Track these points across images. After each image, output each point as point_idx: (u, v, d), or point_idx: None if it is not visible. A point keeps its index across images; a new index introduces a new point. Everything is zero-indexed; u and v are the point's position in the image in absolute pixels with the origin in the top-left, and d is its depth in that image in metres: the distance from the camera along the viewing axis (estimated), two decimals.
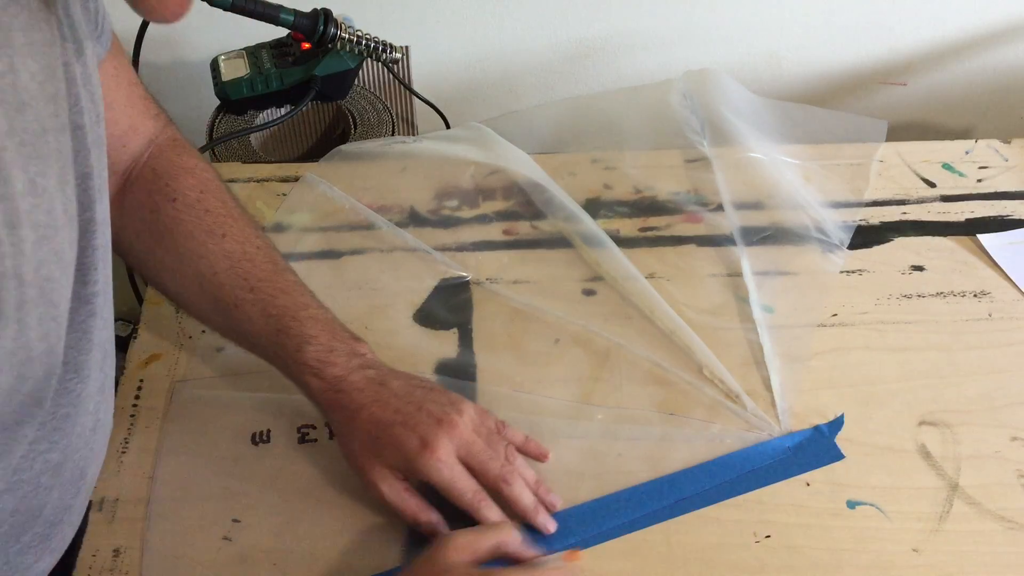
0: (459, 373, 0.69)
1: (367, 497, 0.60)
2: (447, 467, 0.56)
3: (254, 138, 0.95)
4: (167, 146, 0.65)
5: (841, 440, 0.65)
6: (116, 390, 0.68)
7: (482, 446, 0.58)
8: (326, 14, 0.88)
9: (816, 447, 0.65)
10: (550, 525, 0.59)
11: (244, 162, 0.89)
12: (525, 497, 0.58)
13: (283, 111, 0.96)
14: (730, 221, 0.80)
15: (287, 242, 0.77)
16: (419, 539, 0.58)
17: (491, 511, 0.57)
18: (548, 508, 0.60)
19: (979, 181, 0.84)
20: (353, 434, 0.58)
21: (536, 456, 0.62)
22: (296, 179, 0.83)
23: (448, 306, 0.74)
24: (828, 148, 0.87)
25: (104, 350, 0.51)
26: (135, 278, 1.12)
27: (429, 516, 0.58)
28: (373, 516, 0.60)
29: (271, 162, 0.87)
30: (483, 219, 0.81)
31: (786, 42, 1.11)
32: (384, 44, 0.92)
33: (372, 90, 1.02)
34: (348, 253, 0.77)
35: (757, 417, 0.66)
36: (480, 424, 0.59)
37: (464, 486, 0.57)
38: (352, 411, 0.58)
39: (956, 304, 0.74)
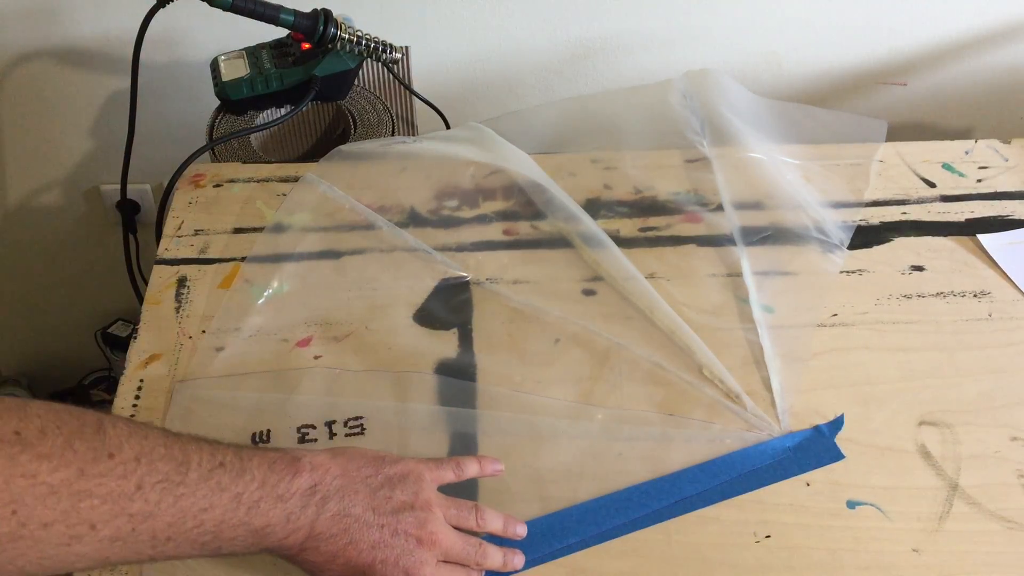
0: (459, 373, 0.69)
1: None
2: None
3: (254, 138, 0.95)
4: None
5: (841, 440, 0.65)
6: (116, 390, 0.68)
7: (461, 545, 0.57)
8: (326, 14, 0.88)
9: (816, 447, 0.65)
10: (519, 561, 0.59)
11: (244, 162, 0.89)
12: (496, 560, 0.58)
13: (283, 111, 0.96)
14: (730, 221, 0.80)
15: (287, 242, 0.78)
16: None
17: None
18: (515, 535, 0.60)
19: (979, 181, 0.84)
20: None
21: (514, 536, 0.60)
22: (296, 179, 0.83)
23: (448, 306, 0.74)
24: (828, 148, 0.87)
25: None
26: (135, 278, 1.12)
27: None
28: None
29: (271, 162, 0.87)
30: (483, 219, 0.81)
31: (786, 42, 1.11)
32: (384, 44, 0.92)
33: (372, 90, 1.02)
34: (348, 253, 0.77)
35: (757, 417, 0.66)
36: (449, 506, 0.58)
37: None
38: (322, 563, 0.54)
39: (956, 304, 0.74)
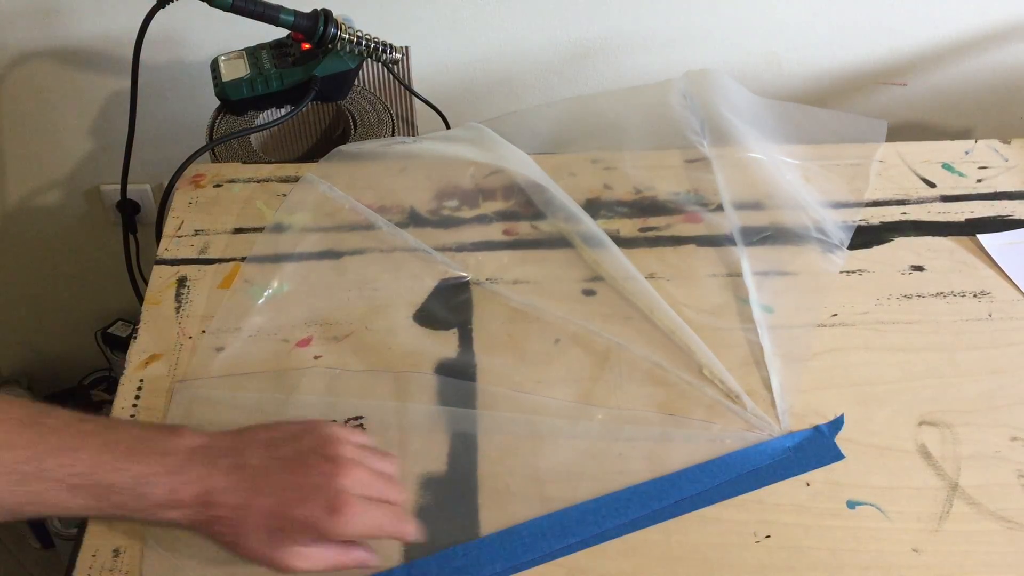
0: (459, 373, 0.69)
1: None
2: (360, 515, 0.53)
3: (254, 138, 0.95)
4: None
5: (841, 440, 0.65)
6: (116, 390, 0.68)
7: (377, 477, 0.55)
8: (326, 14, 0.88)
9: (816, 447, 0.65)
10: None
11: (244, 162, 0.89)
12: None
13: (283, 111, 0.96)
14: (730, 221, 0.80)
15: (287, 242, 0.78)
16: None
17: (411, 526, 0.55)
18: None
19: (979, 181, 0.84)
20: (249, 537, 0.52)
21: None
22: (296, 179, 0.83)
23: (448, 306, 0.74)
24: (828, 148, 0.87)
25: None
26: (135, 278, 1.12)
27: (351, 556, 0.55)
28: None
29: (271, 162, 0.87)
30: (483, 219, 0.81)
31: (786, 42, 1.11)
32: (384, 44, 0.92)
33: (372, 90, 1.02)
34: (348, 253, 0.77)
35: (757, 417, 0.66)
36: (358, 440, 0.57)
37: (384, 524, 0.54)
38: (234, 519, 0.52)
39: (956, 304, 0.74)
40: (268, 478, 0.53)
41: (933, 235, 0.80)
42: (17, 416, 0.49)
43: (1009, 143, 0.88)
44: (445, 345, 0.71)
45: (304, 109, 0.92)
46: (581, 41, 1.10)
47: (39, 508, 0.49)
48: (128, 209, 1.13)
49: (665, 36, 1.10)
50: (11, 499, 0.48)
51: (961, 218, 0.81)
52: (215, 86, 0.93)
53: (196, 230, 0.79)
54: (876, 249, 0.78)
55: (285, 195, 0.82)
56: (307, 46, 0.91)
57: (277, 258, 0.76)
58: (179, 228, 0.80)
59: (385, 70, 1.01)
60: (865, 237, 0.79)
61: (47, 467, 0.48)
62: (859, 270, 0.77)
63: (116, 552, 0.59)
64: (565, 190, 0.80)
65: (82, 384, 1.45)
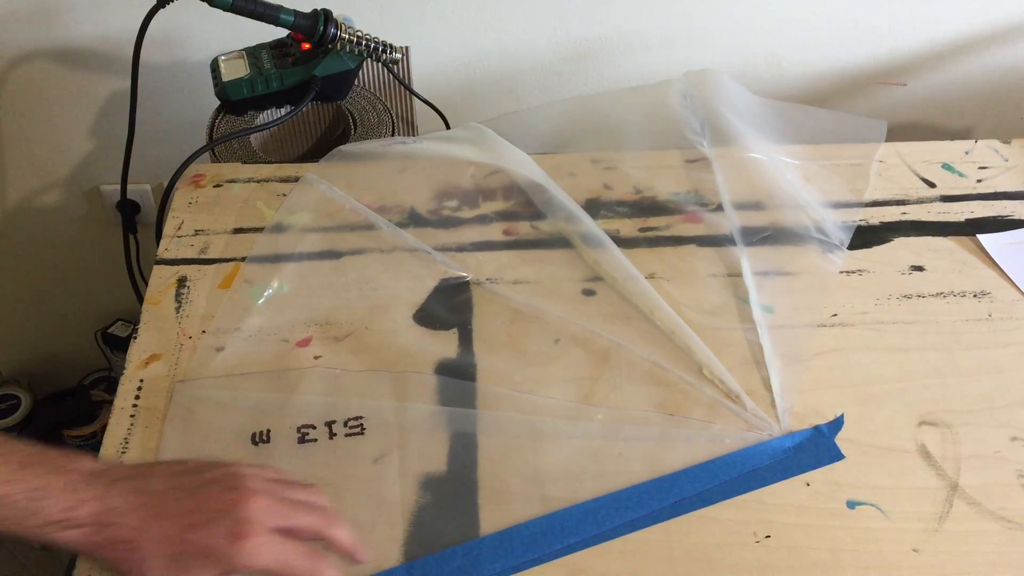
0: (459, 373, 0.69)
1: (367, 497, 0.61)
2: (267, 546, 0.50)
3: (254, 138, 0.95)
4: None
5: (841, 440, 0.65)
6: (116, 390, 0.68)
7: (286, 503, 0.52)
8: (326, 14, 0.88)
9: (816, 447, 0.65)
10: (366, 555, 0.56)
11: (244, 162, 0.89)
12: (347, 535, 0.55)
13: (283, 111, 0.96)
14: (730, 221, 0.80)
15: (287, 242, 0.78)
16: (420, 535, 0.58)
17: (330, 570, 0.52)
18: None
19: (979, 181, 0.84)
20: (146, 563, 0.49)
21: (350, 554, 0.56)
22: (296, 179, 0.83)
23: (448, 306, 0.74)
24: (828, 148, 0.87)
25: None
26: (135, 278, 1.12)
27: None
28: (373, 516, 0.60)
29: (271, 162, 0.87)
30: (483, 219, 0.81)
31: (786, 43, 1.11)
32: (384, 44, 0.92)
33: (372, 90, 1.02)
34: (348, 253, 0.77)
35: (757, 417, 0.66)
36: (269, 475, 0.54)
37: (296, 557, 0.51)
38: (133, 541, 0.49)
39: (956, 304, 0.74)
40: (169, 503, 0.50)
41: (933, 235, 0.80)
42: None
43: (1009, 143, 0.88)
44: (445, 345, 0.71)
45: (304, 109, 0.92)
46: (581, 41, 1.10)
47: None
48: (128, 209, 1.13)
49: (665, 36, 1.10)
50: None
51: (961, 218, 0.81)
52: (215, 86, 0.93)
53: (196, 230, 0.79)
54: (876, 249, 0.78)
55: (285, 195, 0.82)
56: (307, 46, 0.91)
57: (277, 258, 0.76)
58: (179, 228, 0.80)
59: (385, 70, 1.01)
60: (865, 237, 0.79)
61: None
62: (859, 270, 0.77)
63: None
64: (565, 190, 0.80)
65: (82, 384, 1.45)
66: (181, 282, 0.75)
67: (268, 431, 0.65)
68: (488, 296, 0.75)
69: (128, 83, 0.94)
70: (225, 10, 0.84)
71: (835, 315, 0.73)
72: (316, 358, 0.70)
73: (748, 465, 0.64)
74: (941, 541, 0.60)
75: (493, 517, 0.60)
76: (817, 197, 0.82)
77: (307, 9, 0.88)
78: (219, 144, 0.91)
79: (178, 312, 0.73)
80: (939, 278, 0.76)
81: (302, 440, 0.65)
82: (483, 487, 0.62)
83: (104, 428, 0.66)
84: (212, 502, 0.51)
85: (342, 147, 0.85)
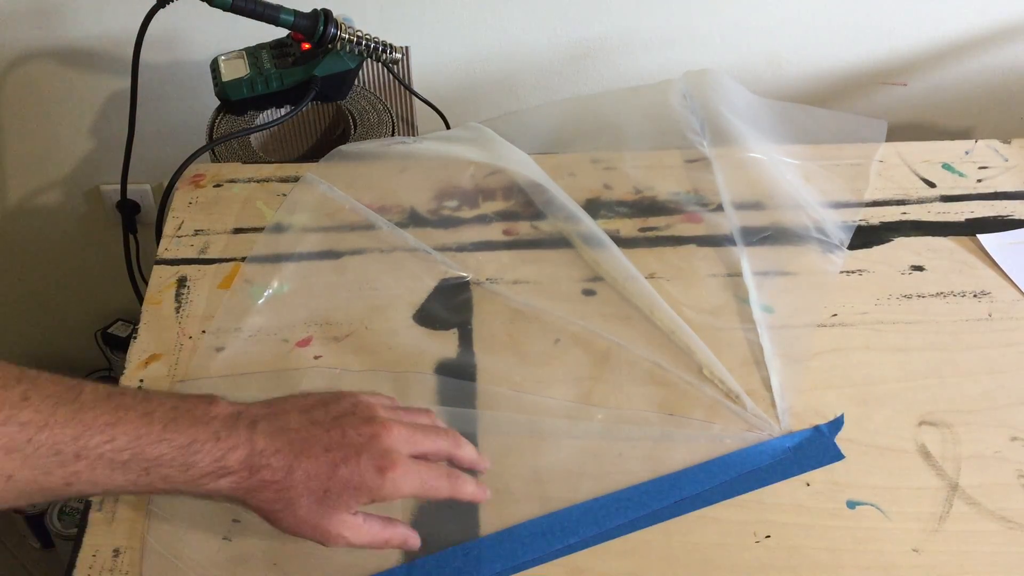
0: (459, 373, 0.69)
1: None
2: (413, 473, 0.52)
3: (254, 138, 0.95)
4: None
5: (841, 440, 0.65)
6: None
7: (417, 429, 0.55)
8: (326, 14, 0.89)
9: (816, 447, 0.65)
10: (487, 464, 0.60)
11: (244, 162, 0.89)
12: (471, 453, 0.58)
13: (283, 111, 0.96)
14: (730, 221, 0.80)
15: (287, 242, 0.78)
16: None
17: (468, 485, 0.56)
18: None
19: (979, 181, 0.84)
20: (297, 502, 0.51)
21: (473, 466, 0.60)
22: (296, 179, 0.83)
23: (448, 306, 0.74)
24: (828, 148, 0.87)
25: None
26: (135, 278, 1.12)
27: (396, 531, 0.55)
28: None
29: (271, 162, 0.87)
30: (483, 219, 0.81)
31: (786, 43, 1.11)
32: (384, 44, 0.92)
33: (372, 90, 1.02)
34: (348, 253, 0.77)
35: (757, 417, 0.66)
36: (388, 403, 0.57)
37: (437, 480, 0.54)
38: (282, 481, 0.50)
39: (956, 304, 0.74)
40: (311, 440, 0.51)
41: (933, 235, 0.80)
42: (51, 392, 0.47)
43: (1009, 143, 0.88)
44: (445, 345, 0.71)
45: (304, 109, 0.92)
46: (581, 41, 1.10)
47: (83, 488, 0.48)
48: (128, 209, 1.13)
49: (665, 36, 1.10)
50: (53, 480, 0.46)
51: (961, 218, 0.81)
52: (215, 86, 0.93)
53: (196, 230, 0.79)
54: (876, 249, 0.78)
55: (285, 195, 0.82)
56: (307, 46, 0.91)
57: (277, 258, 0.76)
58: (179, 228, 0.80)
59: (385, 70, 1.01)
60: (865, 237, 0.79)
61: (88, 445, 0.46)
62: (859, 270, 0.77)
63: (116, 552, 0.59)
64: (565, 190, 0.80)
65: None
66: (181, 282, 0.75)
67: None
68: (488, 296, 0.75)
69: (128, 83, 0.94)
70: (225, 10, 0.84)
71: (835, 315, 0.73)
72: (316, 358, 0.70)
73: (748, 465, 0.64)
74: (941, 541, 0.60)
75: (493, 517, 0.60)
76: (817, 197, 0.82)
77: (307, 9, 0.88)
78: (219, 144, 0.91)
79: (178, 312, 0.73)
80: (939, 278, 0.76)
81: None
82: None
83: None
84: (353, 436, 0.52)
85: (342, 147, 0.85)
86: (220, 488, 0.50)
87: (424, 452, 0.55)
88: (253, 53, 0.94)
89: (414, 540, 0.56)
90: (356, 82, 0.98)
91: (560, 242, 0.79)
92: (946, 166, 0.86)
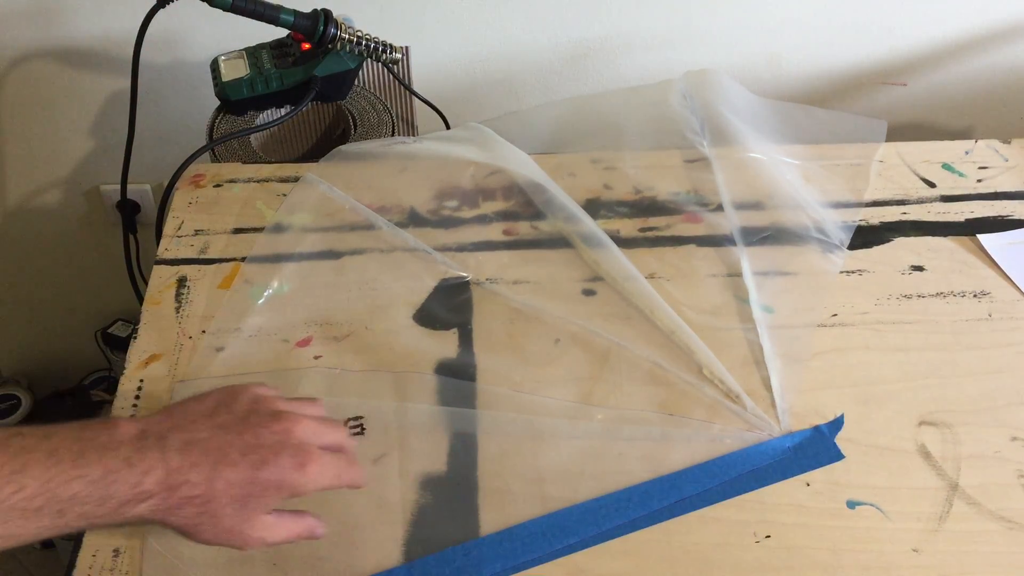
0: (459, 373, 0.69)
1: (367, 497, 0.61)
2: (329, 466, 0.53)
3: (254, 138, 0.95)
4: None
5: (841, 440, 0.65)
6: (116, 390, 0.68)
7: (318, 421, 0.55)
8: (326, 14, 0.89)
9: (816, 447, 0.65)
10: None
11: (244, 162, 0.89)
12: (352, 441, 0.58)
13: (283, 111, 0.96)
14: (730, 221, 0.80)
15: (287, 242, 0.78)
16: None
17: (363, 472, 0.56)
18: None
19: (979, 181, 0.84)
20: (219, 513, 0.50)
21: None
22: (296, 179, 0.83)
23: (448, 306, 0.74)
24: (828, 148, 0.87)
25: None
26: (135, 278, 1.12)
27: (306, 523, 0.55)
28: (373, 516, 0.60)
29: (271, 162, 0.87)
30: (483, 219, 0.81)
31: (786, 43, 1.11)
32: (384, 44, 0.92)
33: (372, 90, 1.02)
34: (348, 253, 0.77)
35: (757, 417, 0.66)
36: (276, 394, 0.56)
37: (347, 470, 0.54)
38: (204, 495, 0.49)
39: (956, 304, 0.74)
40: (225, 447, 0.50)
41: (933, 235, 0.80)
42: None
43: (1009, 143, 0.88)
44: (445, 345, 0.71)
45: (304, 109, 0.92)
46: (581, 41, 1.10)
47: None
48: (128, 209, 1.13)
49: (665, 36, 1.10)
50: None
51: (961, 218, 0.81)
52: (215, 86, 0.93)
53: (196, 230, 0.79)
54: (876, 249, 0.78)
55: (285, 195, 0.82)
56: (307, 46, 0.91)
57: (277, 258, 0.76)
58: (179, 228, 0.80)
59: (385, 70, 1.01)
60: (865, 237, 0.79)
61: (2, 498, 0.44)
62: (859, 270, 0.77)
63: (116, 552, 0.59)
64: (565, 190, 0.80)
65: (82, 384, 1.45)
66: (181, 282, 0.75)
67: None
68: (488, 296, 0.75)
69: (128, 83, 0.94)
70: (225, 10, 0.84)
71: (835, 315, 0.73)
72: (316, 358, 0.70)
73: (748, 465, 0.64)
74: (941, 541, 0.60)
75: (493, 517, 0.60)
76: (817, 197, 0.82)
77: (307, 9, 0.88)
78: (219, 144, 0.91)
79: (178, 312, 0.73)
80: (939, 278, 0.76)
81: None
82: (483, 487, 0.62)
83: None
84: (266, 435, 0.51)
85: (342, 147, 0.85)
86: (140, 513, 0.48)
87: (328, 444, 0.55)
88: (253, 53, 0.94)
89: (320, 529, 0.55)
90: (356, 82, 0.98)
91: (560, 242, 0.79)
92: (946, 166, 0.86)
